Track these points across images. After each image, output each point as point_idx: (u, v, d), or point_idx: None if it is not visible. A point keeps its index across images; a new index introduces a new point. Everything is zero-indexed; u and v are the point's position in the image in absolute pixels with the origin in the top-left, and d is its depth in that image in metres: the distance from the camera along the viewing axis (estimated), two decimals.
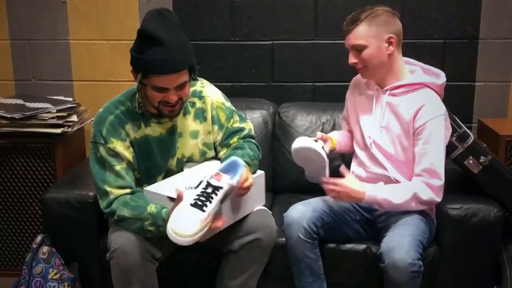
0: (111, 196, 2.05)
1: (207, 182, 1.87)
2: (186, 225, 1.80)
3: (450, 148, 2.23)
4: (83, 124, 2.91)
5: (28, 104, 2.79)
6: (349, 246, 2.28)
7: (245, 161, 2.08)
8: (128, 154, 2.09)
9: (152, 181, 2.15)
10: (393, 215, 2.19)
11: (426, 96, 2.17)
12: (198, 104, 2.20)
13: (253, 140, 2.30)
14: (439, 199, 2.15)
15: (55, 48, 3.08)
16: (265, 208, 2.21)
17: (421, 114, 2.13)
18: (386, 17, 2.15)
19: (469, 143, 2.21)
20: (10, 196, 2.78)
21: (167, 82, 1.96)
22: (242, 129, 2.28)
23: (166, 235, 1.82)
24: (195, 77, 2.10)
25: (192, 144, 2.20)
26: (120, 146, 2.07)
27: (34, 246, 2.34)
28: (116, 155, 2.07)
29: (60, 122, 2.69)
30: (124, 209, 2.02)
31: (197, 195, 1.85)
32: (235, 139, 2.25)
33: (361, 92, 2.33)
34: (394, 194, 2.12)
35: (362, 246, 2.27)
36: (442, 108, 2.15)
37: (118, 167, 2.07)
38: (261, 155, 2.30)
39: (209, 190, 1.86)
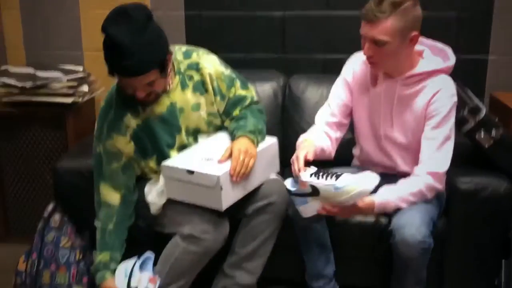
0: (101, 199, 2.14)
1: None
2: None
3: (461, 121, 2.21)
4: (93, 94, 2.92)
5: (38, 73, 2.79)
6: (357, 219, 2.28)
7: (249, 131, 2.11)
8: (128, 149, 2.12)
9: (166, 158, 2.16)
10: None
11: (441, 83, 2.09)
12: (196, 76, 2.17)
13: (254, 106, 2.29)
14: (441, 187, 2.12)
15: (66, 17, 3.08)
16: (277, 177, 2.23)
17: (436, 99, 2.07)
18: (413, 9, 1.97)
19: (481, 117, 2.19)
20: (22, 165, 2.81)
21: (131, 83, 1.97)
22: (244, 98, 2.26)
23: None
24: (166, 73, 2.06)
25: (195, 117, 2.19)
26: (120, 142, 2.11)
27: (46, 214, 2.38)
28: (115, 152, 2.11)
29: (70, 92, 2.70)
30: (99, 232, 2.14)
31: None
32: (237, 110, 2.24)
33: (367, 80, 2.19)
34: (402, 196, 2.06)
35: (371, 219, 2.28)
36: (455, 96, 2.10)
37: (114, 166, 2.12)
38: (265, 116, 2.32)
39: None
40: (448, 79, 2.11)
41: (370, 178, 2.01)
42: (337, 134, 2.25)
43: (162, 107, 2.13)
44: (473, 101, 2.23)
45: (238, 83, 2.25)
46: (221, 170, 1.99)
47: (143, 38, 1.90)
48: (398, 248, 1.99)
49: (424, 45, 2.15)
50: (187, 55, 2.18)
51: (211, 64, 2.19)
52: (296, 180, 2.02)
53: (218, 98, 2.21)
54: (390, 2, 1.93)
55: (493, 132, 2.20)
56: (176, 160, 2.11)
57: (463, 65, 2.88)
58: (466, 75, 2.88)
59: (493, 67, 2.91)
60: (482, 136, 2.21)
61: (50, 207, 2.39)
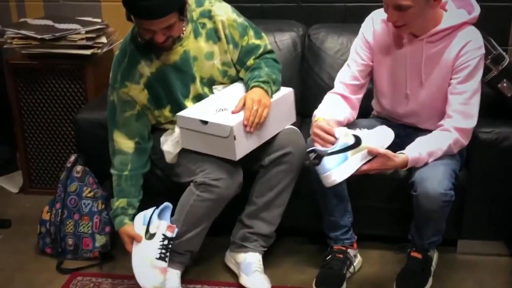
0: (116, 146, 2.17)
1: (163, 235, 2.04)
2: (150, 279, 2.03)
3: (484, 70, 2.16)
4: (112, 46, 2.90)
5: (57, 25, 2.78)
6: None
7: (264, 81, 2.11)
8: (142, 97, 2.13)
9: (182, 108, 2.17)
10: None
11: (469, 34, 2.04)
12: (209, 24, 2.16)
13: (269, 55, 2.27)
14: (466, 143, 2.09)
15: None
16: (295, 128, 2.23)
17: (464, 52, 2.02)
18: None
19: (504, 66, 2.16)
20: (42, 117, 2.84)
21: (151, 26, 1.96)
22: (257, 47, 2.24)
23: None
24: (185, 17, 2.05)
25: (209, 66, 2.18)
26: (134, 90, 2.11)
27: (68, 165, 2.41)
28: (128, 101, 2.12)
29: (89, 43, 2.69)
30: (116, 179, 2.19)
31: (158, 250, 2.04)
32: (251, 60, 2.23)
33: (389, 41, 2.13)
34: (433, 149, 2.03)
35: (388, 170, 2.27)
36: (483, 47, 2.05)
37: (128, 114, 2.13)
38: (280, 65, 2.30)
39: (166, 242, 2.04)
40: (475, 31, 2.06)
41: (386, 134, 2.04)
42: (358, 95, 2.22)
43: (175, 55, 2.12)
44: (497, 49, 2.18)
45: (251, 32, 2.23)
46: (234, 120, 2.00)
47: None
48: (419, 200, 1.99)
49: None
50: (199, 3, 2.16)
51: (223, 11, 2.18)
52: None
53: (231, 46, 2.19)
54: None
55: None
56: (191, 110, 2.12)
57: (487, 13, 2.79)
58: (490, 24, 2.77)
59: None
60: (505, 85, 2.18)
61: (72, 158, 2.42)
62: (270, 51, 2.30)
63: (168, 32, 2.00)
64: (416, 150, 2.01)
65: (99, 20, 2.90)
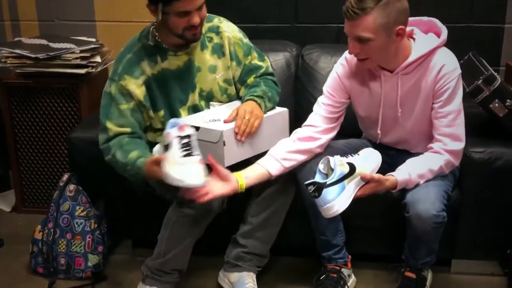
0: (110, 133, 2.12)
1: (178, 136, 1.92)
2: (194, 173, 1.87)
3: (476, 91, 2.19)
4: (106, 65, 2.91)
5: (52, 45, 2.80)
6: None
7: (257, 96, 2.15)
8: (139, 92, 2.13)
9: (175, 115, 2.19)
10: None
11: (442, 58, 2.02)
12: (216, 39, 2.22)
13: (269, 77, 2.32)
14: (457, 164, 2.10)
15: None
16: None
17: (441, 76, 2.00)
18: (398, 2, 1.89)
19: (496, 86, 2.17)
20: (36, 136, 2.83)
21: (188, 5, 1.99)
22: (259, 67, 2.30)
23: (138, 183, 2.11)
24: None
25: (210, 79, 2.22)
26: (132, 84, 2.12)
27: (61, 184, 2.40)
28: (126, 94, 2.12)
29: (84, 62, 2.70)
30: (118, 151, 2.10)
31: (180, 150, 1.91)
32: (251, 78, 2.29)
33: (363, 77, 2.11)
34: (424, 172, 2.02)
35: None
36: (458, 67, 2.04)
37: (124, 106, 2.12)
38: (279, 89, 2.34)
39: (185, 140, 1.92)
40: (448, 52, 2.06)
41: (374, 157, 2.06)
42: (331, 135, 2.20)
43: (179, 61, 2.17)
44: (488, 70, 2.20)
45: (255, 53, 2.31)
46: (225, 126, 2.04)
47: None
48: (412, 222, 1.99)
49: (411, 25, 2.04)
50: (208, 19, 2.22)
51: (231, 29, 2.25)
52: (320, 172, 1.99)
53: (234, 63, 2.25)
54: None
55: (508, 102, 2.18)
56: (183, 118, 2.16)
57: (478, 34, 2.88)
58: (482, 44, 2.84)
59: (509, 36, 2.87)
60: (497, 105, 2.20)
61: (65, 177, 2.41)
62: (271, 74, 2.36)
63: (200, 12, 2.03)
64: (406, 172, 2.01)
65: (93, 40, 2.91)
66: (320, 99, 2.21)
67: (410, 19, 2.00)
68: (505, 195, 2.25)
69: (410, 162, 2.05)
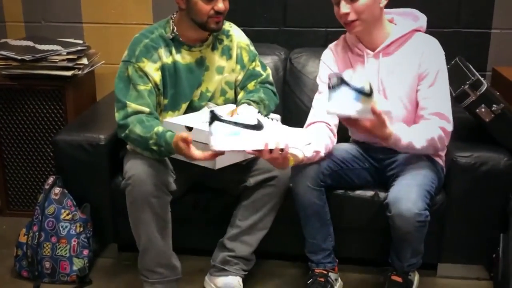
0: (129, 109, 2.10)
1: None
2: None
3: (462, 95, 2.20)
4: (93, 67, 2.90)
5: (38, 46, 2.78)
6: (356, 192, 2.29)
7: (253, 101, 2.17)
8: (156, 76, 2.15)
9: (177, 107, 2.21)
10: (402, 163, 2.17)
11: (424, 41, 2.12)
12: (226, 41, 2.27)
13: (269, 86, 2.36)
14: (442, 147, 2.12)
15: None
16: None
17: (424, 58, 2.08)
18: None
19: (482, 91, 2.18)
20: (21, 138, 2.81)
21: None
22: (260, 74, 2.35)
23: (165, 156, 2.06)
24: None
25: (217, 80, 2.26)
26: (149, 67, 2.13)
27: (47, 187, 2.38)
28: (143, 75, 2.12)
29: (70, 64, 2.68)
30: (137, 126, 2.07)
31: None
32: (252, 83, 2.32)
33: (348, 60, 2.20)
34: (417, 138, 2.03)
35: (369, 193, 2.29)
36: (441, 51, 2.12)
37: (141, 87, 2.12)
38: (278, 100, 2.38)
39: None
40: (430, 37, 2.14)
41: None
42: (336, 121, 2.19)
43: (192, 57, 2.21)
44: (475, 75, 2.22)
45: (258, 61, 2.36)
46: None
47: None
48: (394, 221, 2.00)
49: (391, 13, 2.18)
50: None
51: (240, 34, 2.33)
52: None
53: (239, 66, 2.29)
54: None
55: (494, 107, 2.19)
56: (177, 118, 2.17)
57: (465, 39, 2.90)
58: (469, 49, 2.86)
59: (496, 41, 2.89)
60: (483, 110, 2.21)
61: (50, 180, 2.39)
62: (272, 83, 2.39)
63: (225, 2, 2.10)
64: (399, 132, 1.99)
65: (80, 42, 2.90)
66: (316, 94, 2.24)
67: (392, 10, 2.15)
68: (491, 199, 2.26)
69: (403, 126, 2.03)
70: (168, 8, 2.99)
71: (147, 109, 2.10)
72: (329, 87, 1.85)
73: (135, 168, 2.06)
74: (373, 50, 2.13)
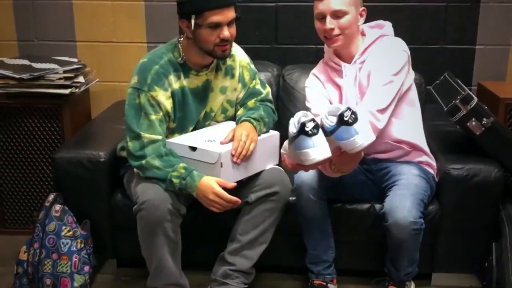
0: (144, 140, 2.13)
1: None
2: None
3: (454, 110, 2.28)
4: (88, 85, 2.93)
5: (34, 65, 2.80)
6: (353, 205, 2.35)
7: (254, 118, 2.22)
8: (168, 104, 2.18)
9: (184, 131, 2.26)
10: (395, 174, 2.24)
11: (387, 43, 2.24)
12: (228, 61, 2.31)
13: (269, 104, 2.42)
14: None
15: (58, 8, 3.08)
16: (279, 167, 2.28)
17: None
18: None
19: (472, 106, 2.26)
20: (18, 156, 2.81)
21: (221, 16, 2.07)
22: (260, 92, 2.40)
23: (179, 190, 2.08)
24: (240, 16, 2.17)
25: (220, 99, 2.31)
26: (162, 96, 2.15)
27: (47, 204, 2.39)
28: (155, 104, 2.15)
29: (67, 83, 2.71)
30: (156, 159, 2.11)
31: None
32: (252, 101, 2.37)
33: (330, 78, 2.33)
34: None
35: (365, 205, 2.35)
36: (406, 50, 2.21)
37: (153, 117, 2.14)
38: (277, 118, 2.42)
39: None
40: (394, 38, 2.27)
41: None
42: None
43: (199, 81, 2.24)
44: (465, 90, 2.30)
45: (258, 79, 2.41)
46: (223, 148, 2.09)
47: None
48: (391, 230, 2.07)
49: (362, 27, 2.30)
50: None
51: (242, 53, 2.38)
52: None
53: (240, 85, 2.34)
54: None
55: (484, 120, 2.27)
56: (180, 138, 2.21)
57: (451, 55, 2.99)
58: (454, 65, 2.96)
59: (480, 57, 2.99)
60: (474, 124, 2.28)
61: (51, 197, 2.41)
62: (271, 101, 2.44)
63: (231, 28, 2.12)
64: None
65: (75, 60, 2.92)
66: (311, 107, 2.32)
67: (365, 24, 2.31)
68: (482, 209, 2.34)
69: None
70: (161, 27, 3.07)
71: (159, 137, 2.14)
72: (307, 134, 1.85)
73: (148, 193, 2.08)
74: (349, 62, 2.26)
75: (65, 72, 2.73)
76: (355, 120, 1.86)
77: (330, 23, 2.16)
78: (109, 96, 3.12)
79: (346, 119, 1.85)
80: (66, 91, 2.70)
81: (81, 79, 2.78)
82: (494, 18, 2.94)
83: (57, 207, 2.39)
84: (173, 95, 2.19)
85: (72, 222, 2.38)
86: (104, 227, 2.48)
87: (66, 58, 2.93)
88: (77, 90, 2.74)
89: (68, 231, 2.37)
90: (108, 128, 2.72)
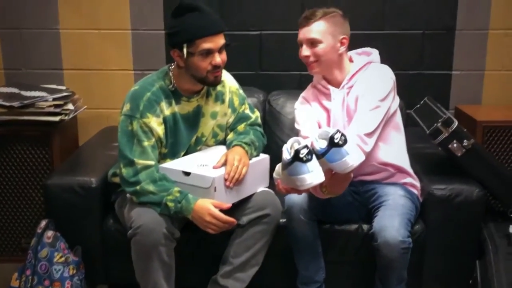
0: (138, 166, 2.16)
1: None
2: None
3: (435, 133, 2.36)
4: (77, 112, 2.96)
5: (23, 93, 2.82)
6: (342, 226, 2.41)
7: (245, 143, 2.28)
8: (160, 130, 2.21)
9: (176, 156, 2.29)
10: (381, 195, 2.32)
11: (374, 69, 2.34)
12: (218, 87, 2.36)
13: (258, 128, 2.47)
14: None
15: (46, 37, 3.12)
16: (269, 190, 2.34)
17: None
18: (341, 19, 2.31)
19: (453, 128, 2.34)
20: (7, 183, 2.82)
21: (212, 43, 2.12)
22: (250, 117, 2.46)
23: (174, 214, 2.11)
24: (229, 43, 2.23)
25: (210, 124, 2.36)
26: (154, 122, 2.19)
27: (39, 230, 2.40)
28: (148, 131, 2.18)
29: (57, 110, 2.74)
30: (151, 184, 2.14)
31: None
32: (242, 125, 2.42)
33: (319, 101, 2.41)
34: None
35: (354, 226, 2.41)
36: (391, 78, 2.31)
37: (146, 143, 2.18)
38: (266, 141, 2.48)
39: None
40: (380, 65, 2.37)
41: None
42: None
43: (190, 107, 2.29)
44: (446, 114, 2.39)
45: (247, 104, 2.47)
46: (216, 173, 2.14)
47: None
48: (380, 249, 2.13)
49: (350, 53, 2.42)
50: None
51: (231, 79, 2.45)
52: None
53: (230, 110, 2.39)
54: (321, 11, 2.28)
55: (465, 142, 2.36)
56: (173, 163, 2.24)
57: (429, 80, 3.10)
58: (432, 89, 3.07)
59: (456, 82, 3.11)
60: (455, 146, 2.37)
61: (43, 223, 2.42)
62: (260, 125, 2.50)
63: (222, 55, 2.18)
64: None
65: (64, 87, 2.96)
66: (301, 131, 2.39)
67: (351, 51, 2.42)
68: (465, 228, 2.42)
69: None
70: (148, 54, 3.12)
71: (152, 163, 2.18)
72: (302, 160, 1.89)
73: (143, 217, 2.11)
74: (337, 87, 2.35)
75: (54, 99, 2.77)
76: (345, 141, 1.94)
77: (305, 50, 2.29)
78: (96, 123, 3.16)
79: (336, 141, 1.93)
80: (56, 118, 2.73)
81: (70, 106, 2.82)
82: (468, 45, 3.06)
83: (49, 233, 2.40)
84: (165, 121, 2.23)
85: (64, 248, 2.40)
86: (95, 252, 2.49)
87: (54, 86, 2.97)
88: (66, 117, 2.78)
89: (61, 257, 2.38)
90: (98, 154, 2.75)
